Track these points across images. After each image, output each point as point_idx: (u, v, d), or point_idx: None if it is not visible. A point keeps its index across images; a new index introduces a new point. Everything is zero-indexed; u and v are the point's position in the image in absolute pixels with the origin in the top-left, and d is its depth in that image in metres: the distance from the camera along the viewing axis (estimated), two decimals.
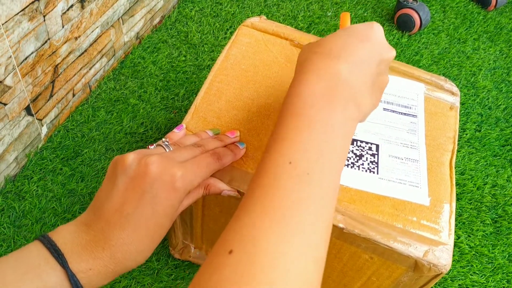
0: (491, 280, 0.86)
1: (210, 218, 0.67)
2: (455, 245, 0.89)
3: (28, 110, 0.85)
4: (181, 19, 1.23)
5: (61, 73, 0.90)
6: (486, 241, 0.91)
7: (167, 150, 0.51)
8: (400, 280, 0.57)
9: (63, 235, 0.43)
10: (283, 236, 0.35)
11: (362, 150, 0.61)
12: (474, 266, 0.88)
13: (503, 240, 0.92)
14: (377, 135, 0.63)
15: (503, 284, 0.86)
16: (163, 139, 0.54)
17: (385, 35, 1.27)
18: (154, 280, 0.79)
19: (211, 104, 0.65)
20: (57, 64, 0.88)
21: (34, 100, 0.85)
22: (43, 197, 0.87)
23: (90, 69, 1.00)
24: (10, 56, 0.74)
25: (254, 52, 0.72)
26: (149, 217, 0.45)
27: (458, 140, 1.05)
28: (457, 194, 0.97)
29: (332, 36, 0.47)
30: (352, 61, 0.44)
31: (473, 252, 0.89)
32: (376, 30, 0.47)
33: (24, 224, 0.83)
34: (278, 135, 0.42)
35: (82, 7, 0.88)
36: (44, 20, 0.79)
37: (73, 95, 0.98)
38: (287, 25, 1.25)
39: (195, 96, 0.97)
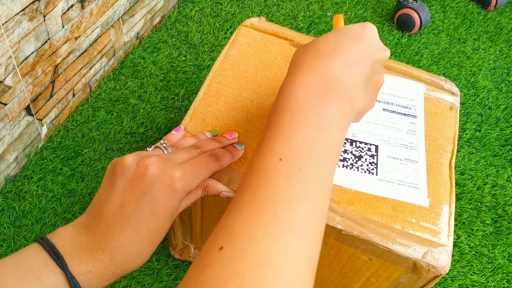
0: (491, 280, 0.86)
1: (209, 219, 0.67)
2: (455, 245, 0.89)
3: (28, 110, 0.85)
4: (181, 19, 1.23)
5: (61, 73, 0.90)
6: (486, 241, 0.91)
7: (166, 152, 0.51)
8: (399, 282, 0.57)
9: (62, 237, 0.43)
10: (274, 232, 0.35)
11: (361, 151, 0.61)
12: (474, 266, 0.88)
13: (503, 240, 0.92)
14: (376, 136, 0.63)
15: (503, 284, 0.86)
16: (161, 141, 0.54)
17: (385, 35, 1.27)
18: (154, 280, 0.79)
19: (210, 105, 0.65)
20: (57, 64, 0.88)
21: (34, 100, 0.85)
22: (43, 197, 0.87)
23: (90, 69, 1.00)
24: (10, 56, 0.74)
25: (254, 52, 0.72)
26: (149, 219, 0.45)
27: (458, 140, 1.05)
28: (457, 194, 0.97)
29: (325, 37, 0.46)
30: (345, 60, 0.44)
31: (473, 252, 0.89)
32: (369, 30, 0.46)
33: (24, 224, 0.83)
34: (269, 133, 0.41)
35: (82, 7, 0.88)
36: (44, 20, 0.79)
37: (73, 95, 0.98)
38: (287, 25, 1.26)
39: (195, 96, 0.97)
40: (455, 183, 0.93)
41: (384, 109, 0.67)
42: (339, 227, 0.53)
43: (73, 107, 1.00)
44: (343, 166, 0.59)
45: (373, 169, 0.59)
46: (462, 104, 1.15)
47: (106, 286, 0.44)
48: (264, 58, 0.71)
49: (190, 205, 0.52)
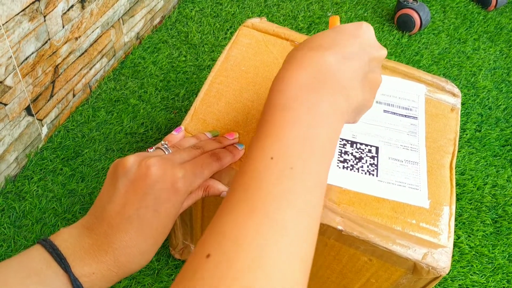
0: (491, 280, 0.86)
1: (210, 219, 0.67)
2: (455, 245, 0.89)
3: (28, 110, 0.85)
4: (181, 19, 1.23)
5: (61, 73, 0.90)
6: (486, 241, 0.92)
7: (167, 153, 0.51)
8: (399, 282, 0.58)
9: (65, 239, 0.43)
10: (265, 233, 0.34)
11: (361, 153, 0.61)
12: (474, 266, 0.88)
13: (503, 240, 0.92)
14: (377, 137, 0.63)
15: (503, 284, 0.87)
16: (162, 142, 0.54)
17: (385, 35, 1.27)
18: (154, 280, 0.79)
19: (211, 106, 0.65)
20: (58, 64, 0.88)
21: (34, 100, 0.85)
22: (44, 197, 0.87)
23: (90, 69, 1.00)
24: (11, 56, 0.74)
25: (255, 53, 0.72)
26: (151, 219, 0.45)
27: (458, 140, 1.05)
28: (457, 194, 0.97)
29: (320, 34, 0.45)
30: (341, 54, 0.42)
31: (473, 252, 0.89)
32: (365, 29, 0.45)
33: (24, 224, 0.83)
34: (260, 131, 0.40)
35: (83, 7, 0.88)
36: (45, 20, 0.79)
37: (74, 95, 0.98)
38: (287, 25, 1.26)
39: (195, 96, 0.97)
40: (455, 183, 0.93)
41: (384, 111, 0.67)
42: (339, 227, 0.53)
43: (73, 107, 1.00)
44: (344, 167, 0.59)
45: (373, 170, 0.59)
46: (462, 104, 1.15)
47: (108, 287, 0.44)
48: (265, 59, 0.71)
49: (191, 205, 0.52)
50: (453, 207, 0.57)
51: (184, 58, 1.13)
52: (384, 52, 0.47)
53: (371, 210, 0.55)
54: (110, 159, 0.93)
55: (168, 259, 0.81)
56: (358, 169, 0.59)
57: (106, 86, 1.05)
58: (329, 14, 1.31)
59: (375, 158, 0.61)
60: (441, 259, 0.52)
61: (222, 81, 0.68)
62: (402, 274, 0.55)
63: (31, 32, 0.77)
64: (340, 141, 0.62)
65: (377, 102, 0.68)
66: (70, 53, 0.90)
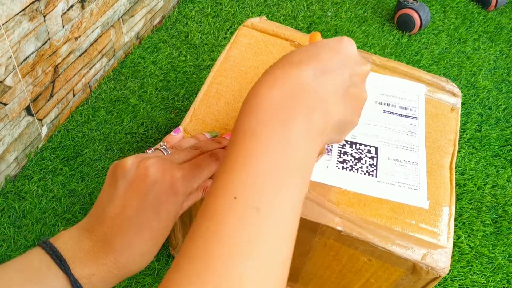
0: (491, 280, 0.86)
1: None
2: (455, 245, 0.89)
3: (28, 110, 0.85)
4: (181, 19, 1.23)
5: (61, 73, 0.90)
6: (486, 241, 0.91)
7: (165, 154, 0.51)
8: (399, 283, 0.58)
9: (65, 241, 0.43)
10: None
11: (361, 153, 0.61)
12: (474, 266, 0.88)
13: (503, 240, 0.92)
14: (376, 138, 0.63)
15: (503, 284, 0.87)
16: (161, 143, 0.54)
17: (385, 35, 1.27)
18: (154, 280, 0.79)
19: (210, 106, 0.65)
20: (57, 64, 0.88)
21: (34, 100, 0.85)
22: (43, 197, 0.87)
23: (90, 69, 1.00)
24: (11, 56, 0.74)
25: (254, 53, 0.72)
26: (151, 220, 0.45)
27: (458, 140, 1.05)
28: (457, 194, 0.97)
29: (299, 49, 0.42)
30: (320, 68, 0.39)
31: (473, 252, 0.89)
32: (346, 44, 0.42)
33: (24, 224, 0.83)
34: (226, 163, 0.36)
35: (82, 7, 0.88)
36: (45, 20, 0.79)
37: (73, 95, 0.98)
38: (287, 25, 1.25)
39: (195, 96, 0.97)
40: (455, 183, 0.93)
41: (384, 111, 0.67)
42: (338, 228, 0.53)
43: (73, 107, 1.00)
44: (343, 168, 0.59)
45: (372, 171, 0.59)
46: (462, 104, 1.15)
47: None
48: (264, 59, 0.71)
49: (190, 206, 0.52)
50: (453, 207, 0.57)
51: (184, 58, 1.13)
52: (367, 67, 0.43)
53: (371, 211, 0.55)
54: (110, 159, 0.93)
55: (168, 259, 0.81)
56: (357, 169, 0.59)
57: (106, 86, 1.05)
58: (329, 14, 1.31)
59: (375, 159, 0.61)
60: (441, 260, 0.52)
61: (221, 81, 0.68)
62: (402, 275, 0.55)
63: (31, 32, 0.77)
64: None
65: (376, 102, 0.68)
66: (70, 53, 0.90)
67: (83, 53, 0.94)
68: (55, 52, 0.85)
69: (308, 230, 0.56)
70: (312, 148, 0.37)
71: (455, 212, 0.89)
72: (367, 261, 0.57)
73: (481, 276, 0.87)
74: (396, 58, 1.21)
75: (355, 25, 1.29)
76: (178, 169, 0.47)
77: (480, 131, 1.10)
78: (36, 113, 0.88)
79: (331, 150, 0.61)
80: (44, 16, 0.78)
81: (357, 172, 0.59)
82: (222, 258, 0.31)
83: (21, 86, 0.80)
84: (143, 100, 1.03)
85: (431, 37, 1.31)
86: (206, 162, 0.51)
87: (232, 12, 1.26)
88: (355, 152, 0.61)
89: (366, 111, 0.66)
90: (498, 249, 0.91)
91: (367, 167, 0.60)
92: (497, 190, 0.99)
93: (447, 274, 0.85)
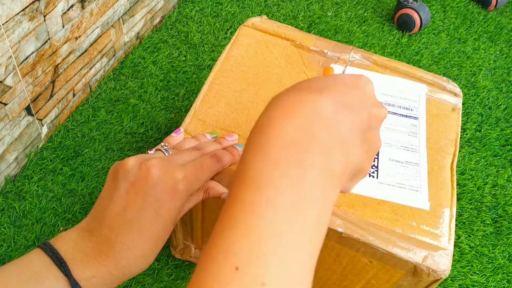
0: (492, 280, 0.86)
1: (210, 220, 0.67)
2: (455, 245, 0.89)
3: (28, 110, 0.85)
4: (181, 19, 1.23)
5: (61, 73, 0.90)
6: (486, 241, 0.91)
7: (167, 154, 0.51)
8: (400, 284, 0.57)
9: (65, 242, 0.43)
10: None
11: None
12: (474, 266, 0.88)
13: (503, 240, 0.92)
14: None
15: (503, 284, 0.87)
16: (162, 144, 0.54)
17: (385, 35, 1.27)
18: (154, 280, 0.79)
19: (211, 107, 0.65)
20: (58, 64, 0.88)
21: (34, 100, 0.85)
22: (44, 197, 0.87)
23: (90, 69, 1.00)
24: (11, 56, 0.74)
25: (255, 53, 0.72)
26: (153, 220, 0.45)
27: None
28: (457, 194, 0.97)
29: (313, 78, 0.38)
30: (339, 100, 0.33)
31: (473, 252, 0.89)
32: (365, 82, 0.38)
33: (24, 224, 0.83)
34: (224, 218, 0.30)
35: (83, 7, 0.88)
36: (45, 20, 0.79)
37: (74, 95, 0.98)
38: (288, 25, 1.25)
39: (195, 96, 0.97)
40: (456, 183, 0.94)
41: None
42: (340, 230, 0.53)
43: (73, 107, 1.00)
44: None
45: (373, 172, 0.59)
46: (462, 104, 1.15)
47: None
48: (265, 59, 0.71)
49: (191, 207, 0.52)
50: (454, 209, 0.57)
51: (184, 58, 1.13)
52: (385, 111, 0.39)
53: (372, 213, 0.55)
54: (110, 159, 0.93)
55: (168, 259, 0.81)
56: None
57: (106, 86, 1.05)
58: (329, 14, 1.31)
59: (376, 160, 0.61)
60: (442, 262, 0.52)
61: (222, 81, 0.68)
62: (403, 276, 0.55)
63: (31, 32, 0.77)
64: None
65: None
66: (70, 53, 0.90)
67: (83, 53, 0.94)
68: (55, 52, 0.85)
69: None
70: (330, 199, 0.31)
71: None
72: (368, 263, 0.57)
73: (481, 276, 0.87)
74: (396, 58, 1.21)
75: (355, 25, 1.29)
76: (180, 170, 0.47)
77: (480, 131, 1.10)
78: (36, 113, 0.88)
79: None
80: (44, 16, 0.78)
81: None
82: None
83: (21, 86, 0.80)
84: (143, 100, 1.03)
85: (431, 37, 1.31)
86: (208, 163, 0.51)
87: (232, 12, 1.26)
88: None
89: None
90: (498, 249, 0.91)
91: None
92: (497, 190, 0.99)
93: None
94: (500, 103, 1.16)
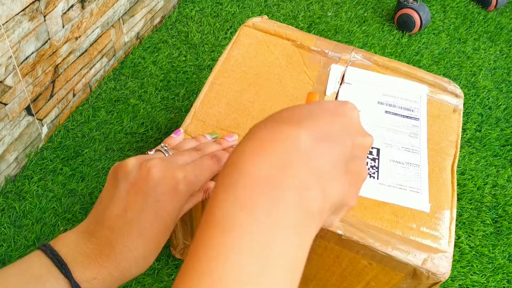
0: (492, 280, 0.86)
1: None
2: (455, 245, 0.89)
3: (28, 110, 0.85)
4: (182, 19, 1.23)
5: (61, 73, 0.90)
6: (487, 241, 0.92)
7: (167, 155, 0.51)
8: (399, 286, 0.57)
9: (65, 244, 0.43)
10: None
11: None
12: (475, 266, 0.88)
13: (503, 240, 0.92)
14: (378, 139, 0.63)
15: (504, 284, 0.87)
16: (162, 144, 0.54)
17: (385, 35, 1.27)
18: (154, 280, 0.79)
19: (211, 107, 0.65)
20: (58, 64, 0.88)
21: (34, 100, 0.85)
22: (44, 197, 0.87)
23: (90, 69, 1.00)
24: (11, 56, 0.74)
25: (255, 53, 0.72)
26: (153, 221, 0.44)
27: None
28: (457, 194, 0.97)
29: (294, 106, 0.35)
30: (318, 132, 0.31)
31: (474, 252, 0.89)
32: (350, 108, 0.36)
33: (24, 224, 0.83)
34: (189, 262, 0.27)
35: (83, 7, 0.87)
36: (45, 20, 0.79)
37: (74, 95, 0.98)
38: (288, 25, 1.25)
39: (195, 96, 0.97)
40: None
41: (386, 112, 0.67)
42: (339, 232, 0.53)
43: (73, 107, 1.00)
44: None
45: (374, 173, 0.59)
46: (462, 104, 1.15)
47: None
48: (266, 59, 0.71)
49: (191, 208, 0.52)
50: (454, 211, 0.57)
51: (184, 58, 1.12)
52: (370, 139, 0.36)
53: (372, 215, 0.55)
54: (110, 159, 0.93)
55: (168, 259, 0.81)
56: None
57: (106, 86, 1.05)
58: (329, 14, 1.31)
59: (376, 161, 0.61)
60: (441, 264, 0.52)
61: (222, 82, 0.68)
62: (402, 279, 0.55)
63: (31, 32, 0.77)
64: None
65: (378, 102, 0.68)
66: (70, 53, 0.90)
67: (83, 53, 0.94)
68: (55, 52, 0.85)
69: None
70: (306, 238, 0.29)
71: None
72: (367, 265, 0.57)
73: (481, 276, 0.87)
74: (396, 58, 1.21)
75: (355, 25, 1.29)
76: (180, 171, 0.47)
77: (480, 131, 1.10)
78: (36, 113, 0.88)
79: None
80: (44, 16, 0.78)
81: None
82: None
83: (21, 86, 0.80)
84: (143, 100, 1.03)
85: (431, 37, 1.31)
86: (208, 163, 0.51)
87: (232, 12, 1.26)
88: None
89: (368, 112, 0.66)
90: (498, 249, 0.91)
91: (368, 169, 0.60)
92: (497, 190, 0.99)
93: None
94: (500, 103, 1.16)
